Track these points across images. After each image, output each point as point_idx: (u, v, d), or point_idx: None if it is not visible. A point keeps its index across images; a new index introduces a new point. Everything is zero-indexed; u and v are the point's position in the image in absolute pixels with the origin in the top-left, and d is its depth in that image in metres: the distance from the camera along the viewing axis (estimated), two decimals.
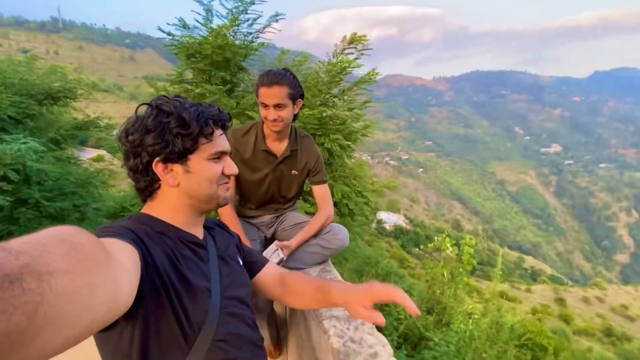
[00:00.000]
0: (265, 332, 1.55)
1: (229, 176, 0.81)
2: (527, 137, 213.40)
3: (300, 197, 3.33)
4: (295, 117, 1.48)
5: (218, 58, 3.36)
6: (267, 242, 1.63)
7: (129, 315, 0.59)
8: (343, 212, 3.37)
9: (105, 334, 0.60)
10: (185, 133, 0.72)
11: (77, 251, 0.36)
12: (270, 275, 0.96)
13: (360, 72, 3.68)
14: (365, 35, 3.41)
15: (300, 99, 1.46)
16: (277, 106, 1.37)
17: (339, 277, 1.28)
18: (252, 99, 3.35)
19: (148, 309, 0.60)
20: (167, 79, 3.57)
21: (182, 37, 3.44)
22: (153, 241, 0.66)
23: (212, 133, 0.77)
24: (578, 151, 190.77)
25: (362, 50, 3.43)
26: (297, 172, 1.58)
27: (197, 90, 3.48)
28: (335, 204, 3.26)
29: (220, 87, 3.30)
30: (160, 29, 3.45)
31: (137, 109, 0.74)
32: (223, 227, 0.96)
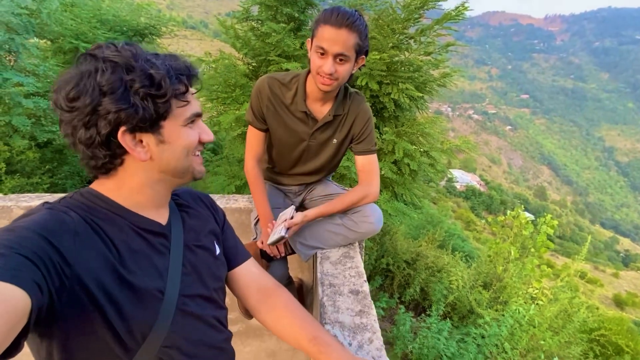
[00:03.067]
0: None
1: (203, 144, 0.67)
2: None
3: None
4: (350, 77, 1.18)
5: None
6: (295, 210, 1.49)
7: (42, 333, 0.53)
8: (404, 172, 3.11)
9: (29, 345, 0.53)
10: (156, 94, 0.57)
11: None
12: (247, 276, 0.82)
13: (448, 7, 3.08)
14: None
15: (364, 57, 1.16)
16: (339, 57, 1.07)
17: (361, 267, 1.10)
18: None
19: (66, 327, 0.52)
20: (233, 15, 3.46)
21: None
22: (82, 240, 0.55)
23: (186, 92, 0.62)
24: None
25: None
26: (337, 141, 1.32)
27: (263, 29, 3.31)
28: (395, 162, 3.02)
29: (285, 25, 3.08)
30: None
31: (76, 60, 0.57)
32: (204, 201, 0.82)
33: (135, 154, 0.60)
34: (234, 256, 0.82)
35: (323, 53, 1.08)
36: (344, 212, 1.31)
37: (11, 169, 3.21)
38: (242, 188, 3.41)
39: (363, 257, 1.22)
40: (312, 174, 1.43)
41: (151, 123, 0.59)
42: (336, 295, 0.97)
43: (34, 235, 0.49)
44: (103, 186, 0.63)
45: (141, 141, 0.60)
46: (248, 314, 1.38)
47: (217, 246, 0.78)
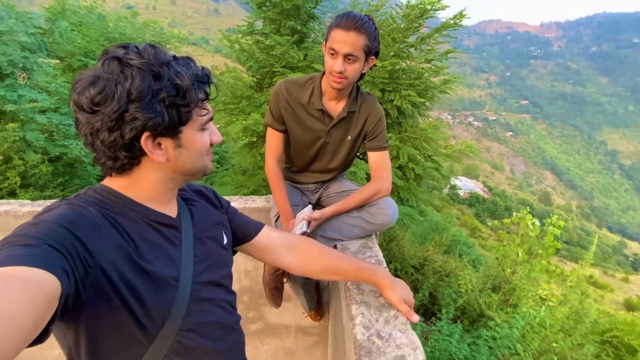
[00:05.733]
0: (302, 299, 1.53)
1: (212, 145, 0.72)
2: None
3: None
4: (362, 76, 1.27)
5: (288, 6, 3.21)
6: (312, 208, 1.50)
7: (69, 319, 0.55)
8: (409, 177, 3.16)
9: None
10: (181, 103, 0.60)
11: None
12: (269, 241, 0.89)
13: (446, 16, 3.18)
14: None
15: (374, 57, 1.23)
16: (348, 57, 1.15)
17: (381, 256, 1.18)
18: (320, 51, 3.19)
19: (91, 313, 0.55)
20: (238, 30, 3.58)
21: None
22: (101, 233, 0.57)
23: (206, 99, 0.66)
24: None
25: None
26: (352, 138, 1.39)
27: (267, 42, 3.42)
28: (399, 167, 3.07)
29: (289, 37, 3.19)
30: None
31: (99, 61, 0.58)
32: (208, 196, 0.87)
33: (154, 157, 0.63)
34: (247, 230, 0.88)
35: (334, 53, 1.17)
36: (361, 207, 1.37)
37: (25, 183, 3.28)
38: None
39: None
40: (328, 171, 1.50)
41: (172, 129, 0.62)
42: None
43: (59, 228, 0.51)
44: (116, 183, 0.66)
45: (160, 144, 0.63)
46: (276, 302, 1.44)
47: (224, 236, 0.82)
